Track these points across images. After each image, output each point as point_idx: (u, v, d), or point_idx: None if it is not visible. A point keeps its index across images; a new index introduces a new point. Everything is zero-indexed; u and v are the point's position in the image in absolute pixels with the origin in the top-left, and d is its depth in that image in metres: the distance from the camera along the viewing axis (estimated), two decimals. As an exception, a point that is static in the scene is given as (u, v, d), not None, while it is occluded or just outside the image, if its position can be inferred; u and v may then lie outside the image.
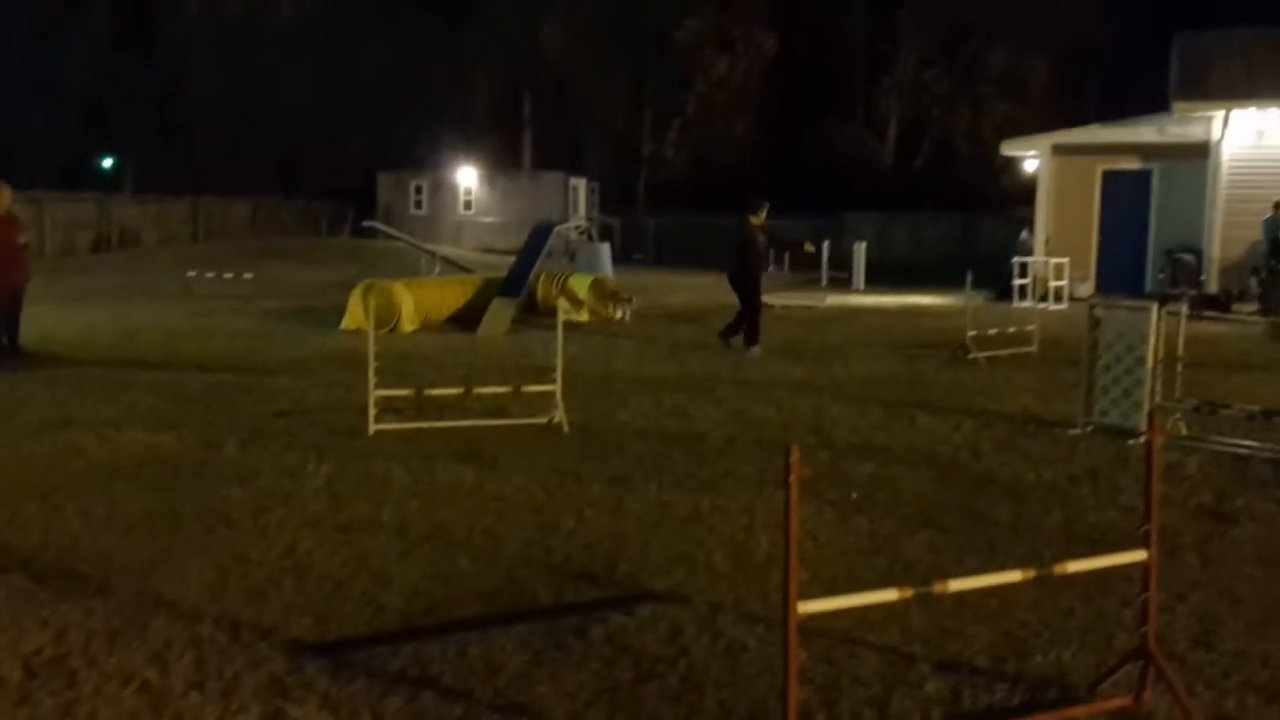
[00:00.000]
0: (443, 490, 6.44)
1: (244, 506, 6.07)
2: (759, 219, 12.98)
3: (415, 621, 4.50)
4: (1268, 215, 16.90)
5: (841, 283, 24.71)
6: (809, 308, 18.96)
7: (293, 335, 14.15)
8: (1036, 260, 19.67)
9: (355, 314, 14.49)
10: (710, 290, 23.07)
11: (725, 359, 12.24)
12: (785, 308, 18.98)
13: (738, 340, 12.80)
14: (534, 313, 16.06)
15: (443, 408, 8.66)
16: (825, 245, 26.25)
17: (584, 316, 15.95)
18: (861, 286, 23.95)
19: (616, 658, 4.13)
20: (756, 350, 12.57)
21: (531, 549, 5.42)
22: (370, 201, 38.79)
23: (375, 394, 7.92)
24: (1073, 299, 18.24)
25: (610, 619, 4.48)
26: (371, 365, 7.90)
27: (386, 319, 14.35)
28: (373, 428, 7.85)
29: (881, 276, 25.33)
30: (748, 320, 12.83)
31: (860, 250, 25.28)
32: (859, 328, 15.87)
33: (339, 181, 41.84)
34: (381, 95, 42.49)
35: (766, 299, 19.78)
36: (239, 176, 40.81)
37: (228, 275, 20.96)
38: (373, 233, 30.82)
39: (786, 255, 29.61)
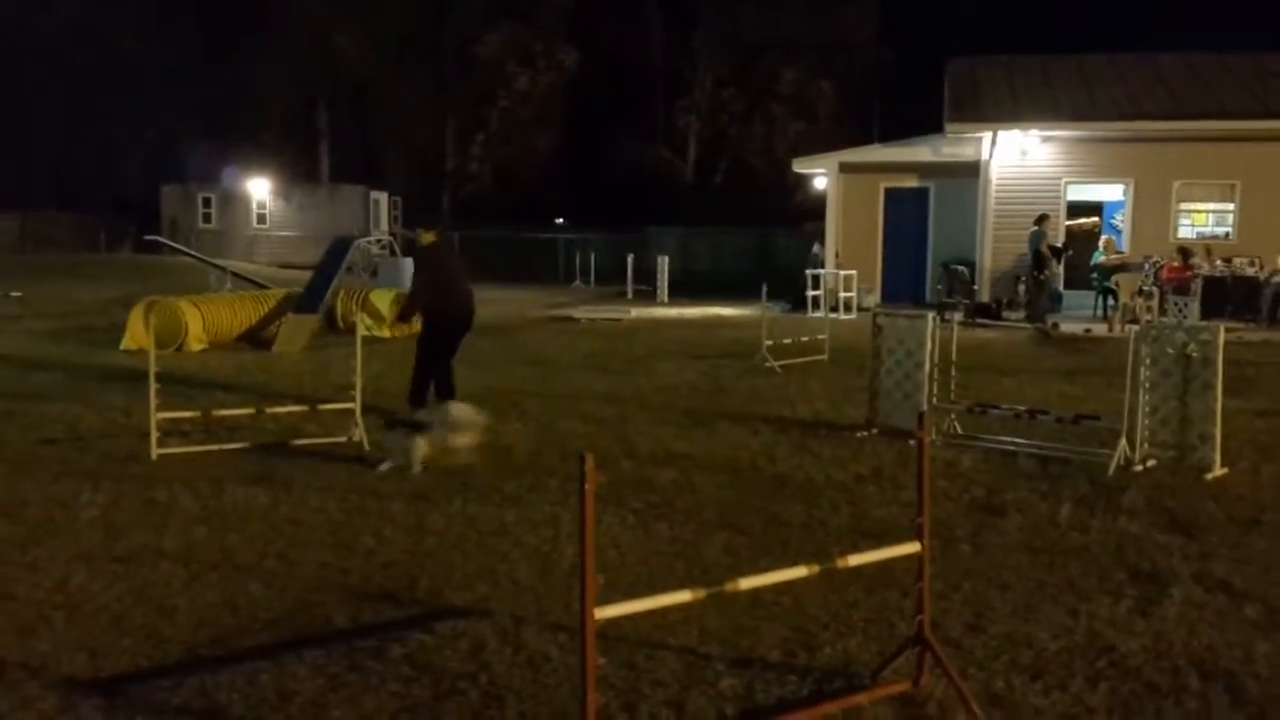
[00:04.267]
0: (232, 515, 6.17)
1: (9, 540, 5.64)
2: (425, 237, 9.39)
3: (200, 652, 4.29)
4: (1031, 228, 18.21)
5: (646, 295, 25.16)
6: (615, 320, 19.19)
7: (66, 357, 13.24)
8: (827, 273, 20.57)
9: (136, 333, 13.71)
10: (517, 304, 23.04)
11: (532, 373, 12.22)
12: (591, 320, 19.19)
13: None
14: (334, 329, 15.64)
15: (233, 429, 8.30)
16: (630, 259, 26.74)
17: (386, 332, 15.64)
18: (665, 299, 24.50)
19: (416, 676, 4.06)
20: (422, 416, 7.63)
21: (327, 571, 5.25)
22: (154, 215, 36.79)
23: (157, 416, 7.51)
24: (861, 309, 19.16)
25: (409, 638, 4.40)
26: (153, 385, 7.49)
27: (172, 338, 13.65)
28: (155, 452, 7.44)
29: (684, 289, 25.96)
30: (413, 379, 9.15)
31: (664, 264, 25.92)
32: (662, 339, 16.17)
33: (119, 194, 39.45)
34: (163, 103, 40.31)
35: (573, 312, 20.06)
36: (5, 189, 37.89)
37: (-7, 294, 19.45)
38: (157, 247, 29.28)
39: (593, 269, 29.96)
